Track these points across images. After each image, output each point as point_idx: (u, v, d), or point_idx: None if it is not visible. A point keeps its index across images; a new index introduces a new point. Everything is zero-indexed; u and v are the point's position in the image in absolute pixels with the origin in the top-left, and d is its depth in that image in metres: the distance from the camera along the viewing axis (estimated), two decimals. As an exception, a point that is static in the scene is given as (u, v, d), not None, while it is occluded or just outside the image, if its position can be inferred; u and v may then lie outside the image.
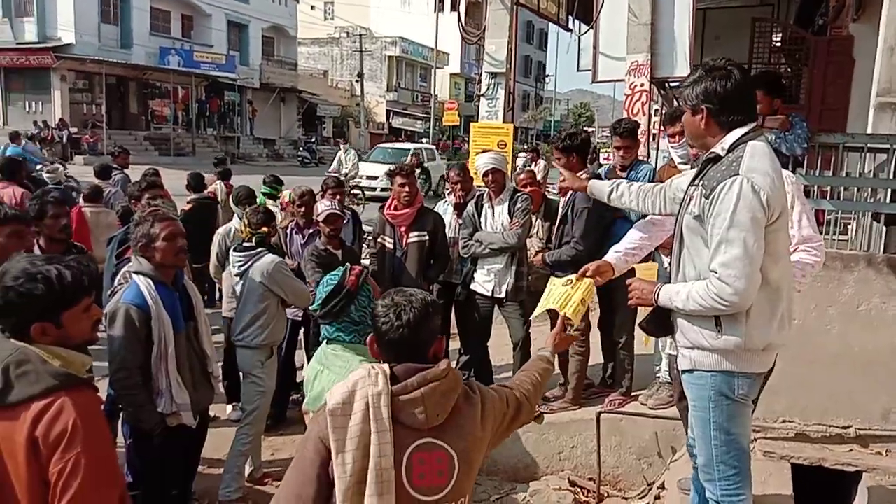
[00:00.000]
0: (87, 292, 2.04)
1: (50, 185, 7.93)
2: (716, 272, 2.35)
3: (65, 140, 23.24)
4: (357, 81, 42.13)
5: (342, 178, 12.64)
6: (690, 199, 2.53)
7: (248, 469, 4.42)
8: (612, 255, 3.04)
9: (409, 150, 23.11)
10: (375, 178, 19.96)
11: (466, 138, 43.43)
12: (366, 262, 5.98)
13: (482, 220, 4.98)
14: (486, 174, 4.92)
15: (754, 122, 2.51)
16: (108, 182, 8.55)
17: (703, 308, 2.41)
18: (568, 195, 4.73)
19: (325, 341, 2.51)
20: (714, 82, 2.46)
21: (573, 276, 2.88)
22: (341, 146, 18.15)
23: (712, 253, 2.38)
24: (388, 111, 45.44)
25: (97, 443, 1.89)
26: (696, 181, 2.55)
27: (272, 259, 4.29)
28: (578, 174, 4.46)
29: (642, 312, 2.97)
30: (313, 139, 37.79)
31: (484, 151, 5.32)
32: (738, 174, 2.35)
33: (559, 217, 4.85)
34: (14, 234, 2.91)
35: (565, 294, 2.78)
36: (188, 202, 7.72)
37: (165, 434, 3.23)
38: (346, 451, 1.72)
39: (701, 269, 2.48)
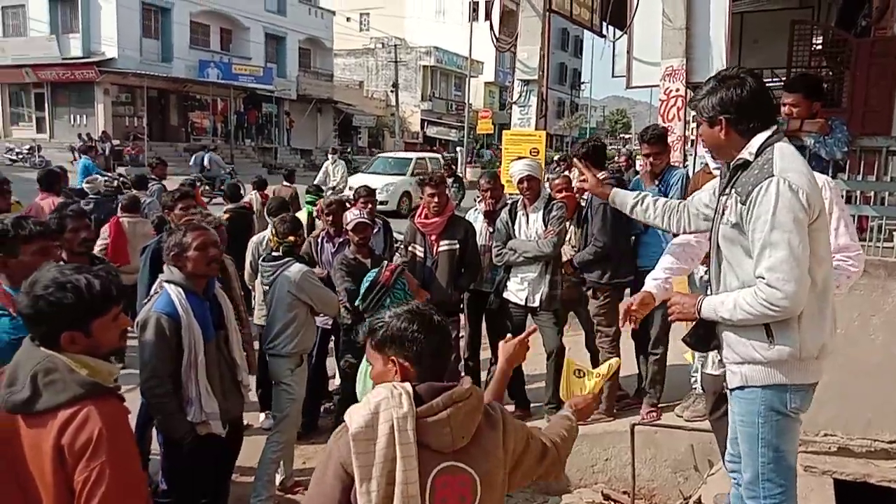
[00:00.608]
0: (115, 301, 2.06)
1: (90, 196, 8.09)
2: (763, 277, 2.27)
3: (107, 152, 23.78)
4: (392, 91, 42.42)
5: (328, 191, 11.56)
6: (725, 209, 2.45)
7: (279, 477, 4.43)
8: (651, 285, 2.94)
9: (412, 159, 21.11)
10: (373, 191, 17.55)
11: (500, 146, 43.35)
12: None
13: (516, 227, 4.93)
14: (520, 181, 4.87)
15: (774, 125, 2.45)
16: (145, 192, 8.72)
17: (752, 316, 2.33)
18: (586, 194, 4.73)
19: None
20: (730, 91, 2.40)
21: (586, 371, 2.79)
22: (329, 156, 16.34)
23: (756, 258, 2.30)
24: (422, 120, 45.60)
25: (122, 452, 1.90)
26: (728, 189, 2.47)
27: (299, 268, 4.31)
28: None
29: (680, 324, 2.90)
30: (349, 149, 38.12)
31: (519, 158, 5.27)
32: (773, 175, 2.28)
33: (581, 218, 4.84)
34: (39, 251, 2.82)
35: (581, 385, 2.71)
36: (225, 212, 7.83)
37: (195, 442, 3.24)
38: (372, 479, 1.66)
39: (744, 278, 2.40)
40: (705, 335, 2.60)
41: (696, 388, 4.75)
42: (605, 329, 4.91)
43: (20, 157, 24.52)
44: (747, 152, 2.40)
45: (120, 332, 2.09)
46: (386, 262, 2.71)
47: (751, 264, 2.34)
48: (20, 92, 30.21)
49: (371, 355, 1.89)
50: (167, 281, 3.29)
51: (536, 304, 4.85)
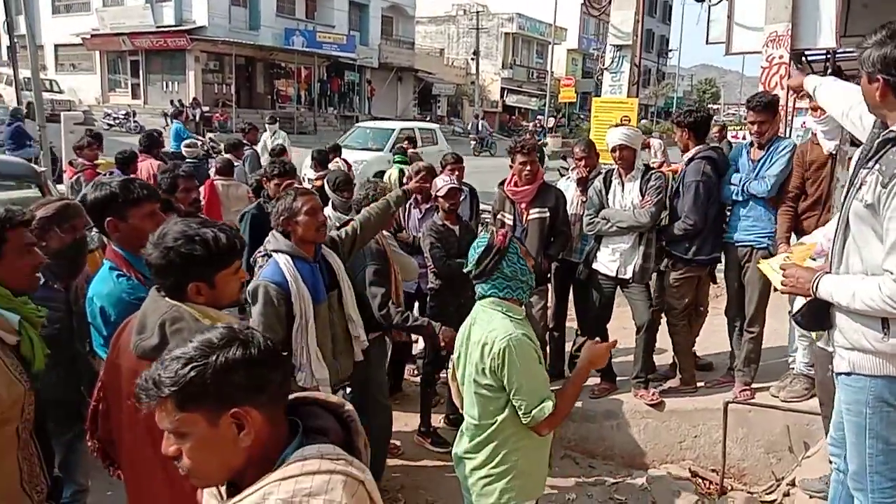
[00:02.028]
0: (238, 255, 2.15)
1: (188, 160, 8.42)
2: (892, 273, 2.10)
3: (198, 118, 24.67)
4: (473, 59, 42.10)
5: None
6: (862, 185, 2.24)
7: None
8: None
9: (393, 130, 17.43)
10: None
11: (583, 115, 42.40)
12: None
13: (610, 196, 4.80)
14: (613, 150, 4.72)
15: None
16: (238, 157, 8.99)
17: (870, 309, 2.18)
18: (679, 170, 4.63)
19: (479, 299, 2.63)
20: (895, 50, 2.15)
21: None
22: (267, 126, 13.38)
23: (889, 250, 2.11)
24: (502, 89, 45.12)
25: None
26: (871, 164, 2.24)
27: None
28: (692, 148, 4.70)
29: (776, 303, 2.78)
30: (428, 118, 38.20)
31: (617, 126, 5.12)
32: None
33: (672, 192, 4.71)
34: (148, 215, 2.76)
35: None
36: (317, 178, 7.96)
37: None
38: None
39: (868, 261, 2.23)
40: (819, 314, 2.44)
41: (793, 369, 4.60)
42: (675, 301, 4.79)
43: (117, 121, 25.74)
44: None
45: (240, 284, 2.17)
46: (493, 228, 2.68)
47: (880, 249, 2.17)
48: (117, 59, 31.66)
49: (181, 424, 1.28)
50: (274, 250, 3.29)
51: (628, 276, 4.73)
